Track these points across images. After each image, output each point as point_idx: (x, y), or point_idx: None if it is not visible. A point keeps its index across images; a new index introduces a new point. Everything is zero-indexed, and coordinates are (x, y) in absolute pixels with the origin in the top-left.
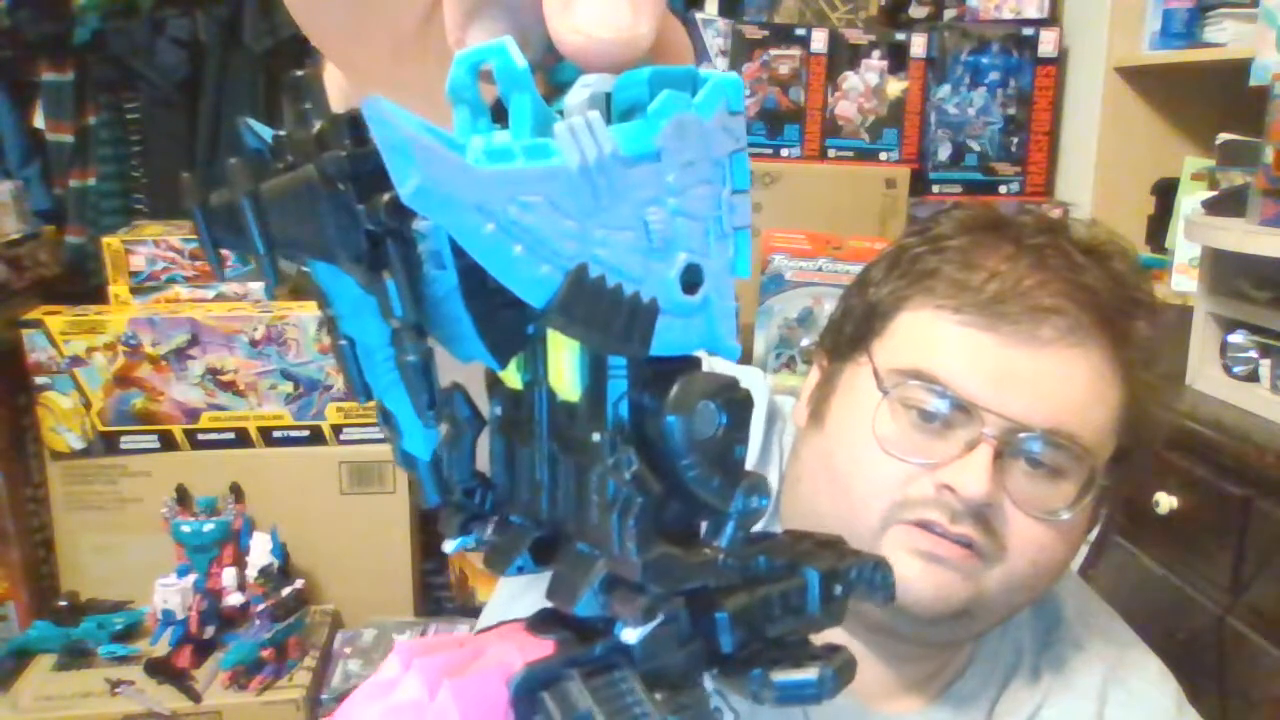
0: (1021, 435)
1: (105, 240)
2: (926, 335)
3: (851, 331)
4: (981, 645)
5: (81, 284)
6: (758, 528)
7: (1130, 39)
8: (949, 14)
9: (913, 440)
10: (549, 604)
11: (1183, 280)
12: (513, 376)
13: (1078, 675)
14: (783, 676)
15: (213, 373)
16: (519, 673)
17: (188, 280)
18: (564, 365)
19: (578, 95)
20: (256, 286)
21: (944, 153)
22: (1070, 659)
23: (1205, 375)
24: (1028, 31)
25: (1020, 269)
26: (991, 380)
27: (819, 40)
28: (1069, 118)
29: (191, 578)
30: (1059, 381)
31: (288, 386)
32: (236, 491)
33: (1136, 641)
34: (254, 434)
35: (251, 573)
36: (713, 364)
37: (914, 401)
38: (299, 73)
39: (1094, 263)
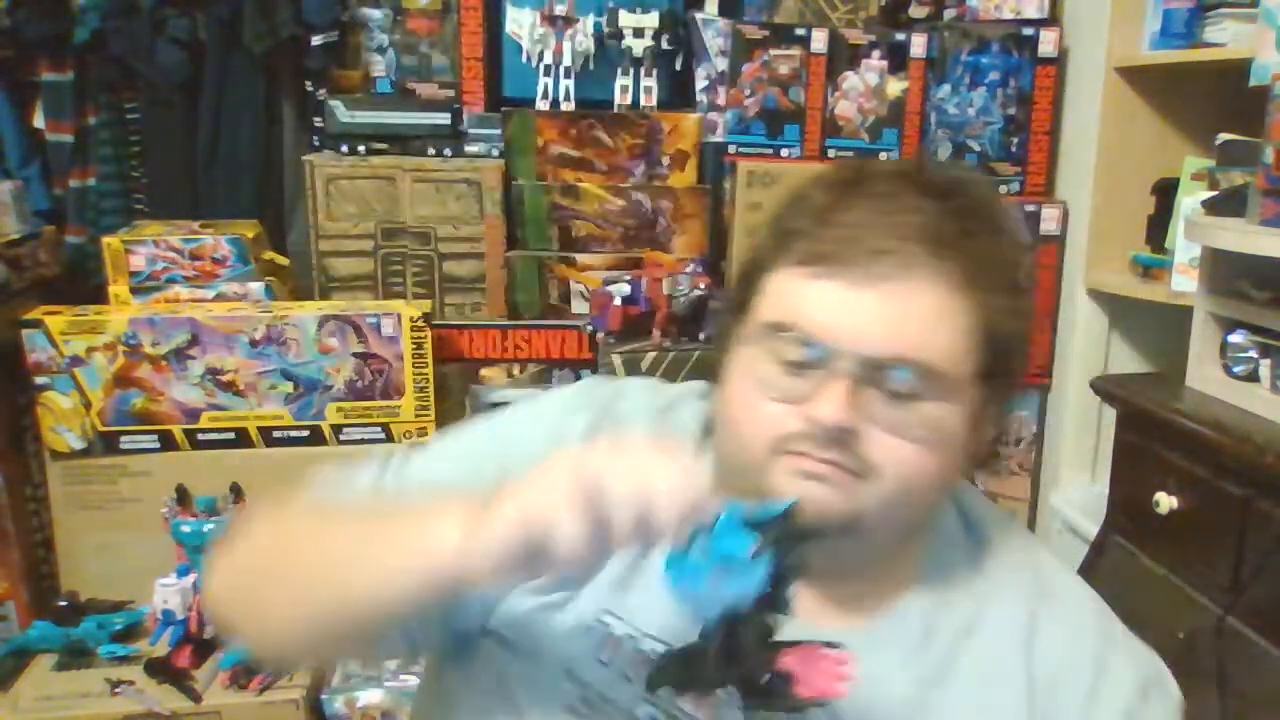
0: (871, 367)
1: (105, 240)
2: (787, 290)
3: (737, 293)
4: (917, 569)
5: (81, 284)
6: None
7: (1130, 39)
8: (949, 14)
9: (784, 384)
10: None
11: (1183, 280)
12: None
13: (1008, 596)
14: None
15: (213, 373)
16: None
17: (188, 280)
18: None
19: None
20: (256, 286)
21: (944, 153)
22: (1002, 579)
23: (1205, 375)
24: (1028, 31)
25: (859, 218)
26: (839, 321)
27: (819, 40)
28: (1069, 118)
29: (191, 578)
30: (899, 314)
31: (288, 386)
32: (236, 491)
33: (1062, 567)
34: (254, 434)
35: None
36: None
37: (779, 352)
38: None
39: (934, 201)
